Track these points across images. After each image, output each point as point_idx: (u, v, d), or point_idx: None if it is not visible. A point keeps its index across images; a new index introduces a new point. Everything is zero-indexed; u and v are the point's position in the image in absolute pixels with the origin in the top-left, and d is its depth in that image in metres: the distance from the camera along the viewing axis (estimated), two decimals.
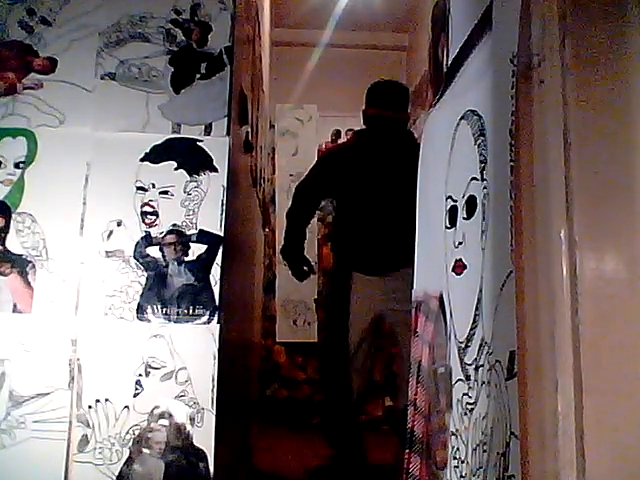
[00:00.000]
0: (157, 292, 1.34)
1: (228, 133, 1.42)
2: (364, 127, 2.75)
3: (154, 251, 1.36)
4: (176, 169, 1.39)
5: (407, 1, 4.03)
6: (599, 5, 0.82)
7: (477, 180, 1.04)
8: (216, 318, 1.33)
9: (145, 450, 1.27)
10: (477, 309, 0.99)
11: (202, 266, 1.35)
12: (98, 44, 1.45)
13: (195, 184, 1.38)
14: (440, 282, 1.20)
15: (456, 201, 1.15)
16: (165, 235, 1.37)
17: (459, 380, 1.07)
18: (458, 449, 1.05)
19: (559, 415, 0.75)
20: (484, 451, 0.91)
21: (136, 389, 1.29)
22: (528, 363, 0.80)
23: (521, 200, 0.85)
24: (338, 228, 2.79)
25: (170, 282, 1.35)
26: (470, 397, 1.01)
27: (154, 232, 1.37)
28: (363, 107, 2.73)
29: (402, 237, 2.10)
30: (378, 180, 2.50)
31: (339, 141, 4.57)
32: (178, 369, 1.30)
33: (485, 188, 1.00)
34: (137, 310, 1.33)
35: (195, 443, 1.27)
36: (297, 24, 4.23)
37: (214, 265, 1.34)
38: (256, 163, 2.49)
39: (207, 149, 1.40)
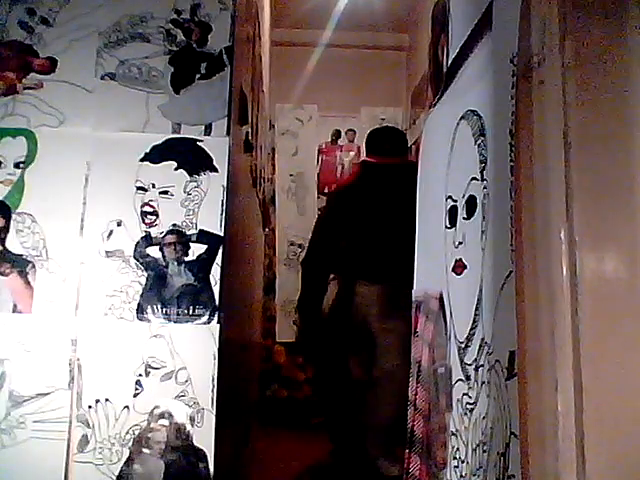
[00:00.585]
0: (157, 292, 1.34)
1: (228, 133, 1.42)
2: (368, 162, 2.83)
3: (154, 251, 1.36)
4: (176, 169, 1.39)
5: (407, 1, 4.02)
6: (599, 5, 0.82)
7: (477, 180, 1.04)
8: (216, 318, 1.33)
9: (145, 450, 1.26)
10: (477, 309, 0.99)
11: (202, 266, 1.35)
12: (98, 44, 1.45)
13: (195, 184, 1.38)
14: (440, 282, 1.20)
15: (456, 201, 1.15)
16: (165, 235, 1.37)
17: (459, 380, 1.07)
18: (458, 449, 1.05)
19: (559, 415, 0.75)
20: (484, 451, 0.91)
21: (136, 389, 1.29)
22: (528, 363, 0.80)
23: (521, 200, 0.85)
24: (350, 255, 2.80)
25: (170, 282, 1.35)
26: (470, 397, 1.01)
27: (154, 232, 1.37)
28: (364, 156, 2.79)
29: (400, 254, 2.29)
30: (382, 212, 2.58)
31: (339, 141, 4.58)
32: (178, 369, 1.30)
33: (485, 188, 1.00)
34: (137, 310, 1.33)
35: (195, 443, 1.27)
36: (297, 24, 4.23)
37: (214, 265, 1.34)
38: (256, 163, 2.49)
39: (207, 149, 1.40)
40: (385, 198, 2.61)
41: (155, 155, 1.40)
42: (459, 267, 1.11)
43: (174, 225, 1.37)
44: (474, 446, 0.97)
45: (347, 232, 2.73)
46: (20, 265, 1.35)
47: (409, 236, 2.34)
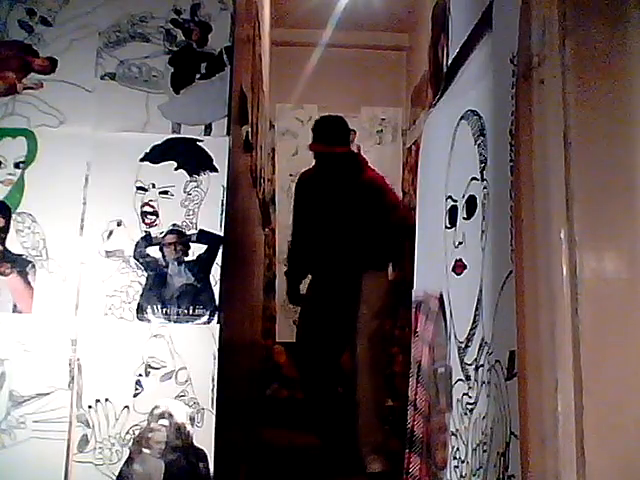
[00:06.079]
0: (157, 292, 1.34)
1: (228, 133, 1.42)
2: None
3: (154, 251, 1.36)
4: (176, 169, 1.39)
5: (407, 1, 4.02)
6: (599, 5, 0.82)
7: (477, 180, 1.04)
8: (216, 318, 1.33)
9: (145, 450, 1.26)
10: (477, 309, 0.99)
11: (202, 266, 1.35)
12: (98, 44, 1.45)
13: (195, 184, 1.38)
14: (440, 282, 1.20)
15: (456, 201, 1.15)
16: (165, 235, 1.36)
17: (459, 380, 1.07)
18: (458, 449, 1.05)
19: (559, 415, 0.75)
20: (484, 451, 0.91)
21: (136, 389, 1.29)
22: (528, 363, 0.80)
23: (521, 200, 0.85)
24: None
25: (170, 282, 1.34)
26: (470, 397, 1.01)
27: (154, 232, 1.37)
28: (310, 142, 3.04)
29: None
30: (331, 201, 2.86)
31: None
32: (178, 369, 1.30)
33: (485, 188, 1.00)
34: (137, 310, 1.33)
35: (195, 443, 1.27)
36: (297, 24, 4.22)
37: (214, 265, 1.34)
38: (256, 163, 2.49)
39: (207, 149, 1.40)
40: (330, 189, 2.87)
41: (155, 155, 1.40)
42: (459, 267, 1.11)
43: (174, 225, 1.37)
44: (474, 446, 0.97)
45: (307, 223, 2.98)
46: (20, 265, 1.35)
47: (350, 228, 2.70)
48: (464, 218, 1.10)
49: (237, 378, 1.89)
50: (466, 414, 1.02)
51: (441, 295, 1.20)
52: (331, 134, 2.93)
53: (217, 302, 1.33)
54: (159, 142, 1.41)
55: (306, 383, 3.03)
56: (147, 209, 1.38)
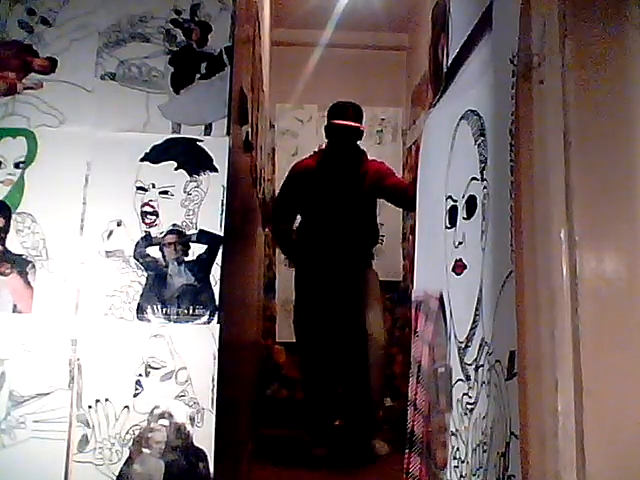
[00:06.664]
0: (157, 292, 1.34)
1: (228, 133, 1.42)
2: (324, 147, 3.27)
3: (154, 251, 1.36)
4: (176, 169, 1.39)
5: (407, 1, 4.01)
6: (599, 5, 0.82)
7: (477, 180, 1.04)
8: (216, 318, 1.33)
9: (145, 450, 1.26)
10: (477, 309, 0.99)
11: (202, 266, 1.35)
12: (98, 44, 1.45)
13: (195, 184, 1.38)
14: (440, 282, 1.20)
15: (456, 201, 1.15)
16: (165, 235, 1.36)
17: (459, 380, 1.07)
18: (458, 449, 1.05)
19: (559, 415, 0.75)
20: (484, 451, 0.91)
21: (136, 389, 1.29)
22: (528, 363, 0.80)
23: (521, 200, 0.85)
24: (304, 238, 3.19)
25: (170, 282, 1.34)
26: (470, 397, 1.01)
27: (154, 232, 1.37)
28: (325, 123, 3.23)
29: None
30: (334, 195, 3.04)
31: None
32: (178, 369, 1.30)
33: (485, 188, 1.00)
34: (137, 310, 1.33)
35: (195, 443, 1.27)
36: (297, 24, 4.22)
37: (214, 265, 1.34)
38: (256, 163, 2.49)
39: (207, 149, 1.40)
40: (337, 179, 3.05)
41: (155, 155, 1.40)
42: (459, 267, 1.11)
43: (174, 225, 1.37)
44: (474, 446, 0.97)
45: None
46: (20, 265, 1.35)
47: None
48: (464, 218, 1.10)
49: (237, 378, 1.89)
50: (466, 414, 1.02)
51: (441, 295, 1.20)
52: (346, 112, 3.12)
53: (217, 302, 1.33)
54: (159, 142, 1.41)
55: (306, 382, 3.05)
56: (147, 209, 1.38)
